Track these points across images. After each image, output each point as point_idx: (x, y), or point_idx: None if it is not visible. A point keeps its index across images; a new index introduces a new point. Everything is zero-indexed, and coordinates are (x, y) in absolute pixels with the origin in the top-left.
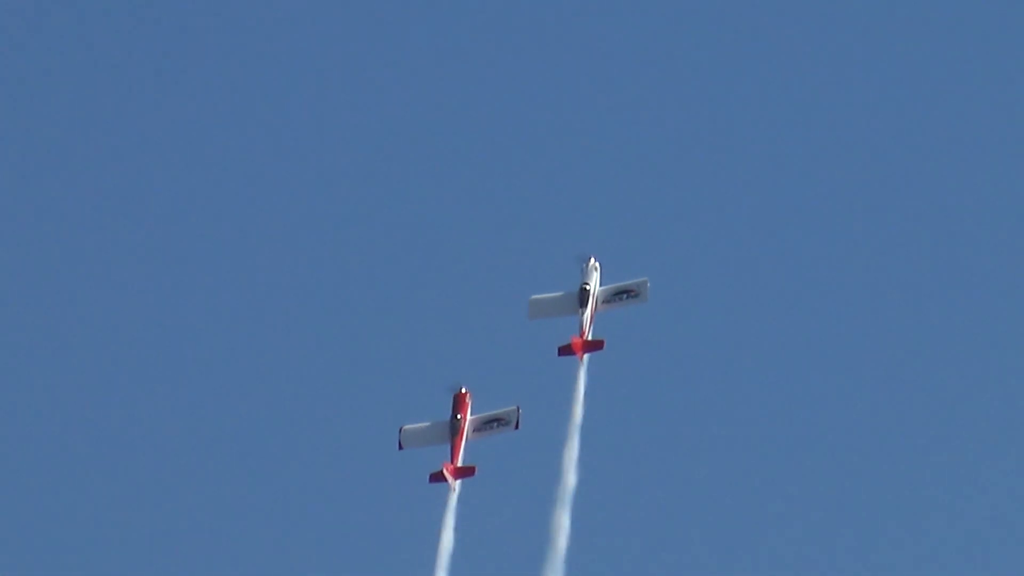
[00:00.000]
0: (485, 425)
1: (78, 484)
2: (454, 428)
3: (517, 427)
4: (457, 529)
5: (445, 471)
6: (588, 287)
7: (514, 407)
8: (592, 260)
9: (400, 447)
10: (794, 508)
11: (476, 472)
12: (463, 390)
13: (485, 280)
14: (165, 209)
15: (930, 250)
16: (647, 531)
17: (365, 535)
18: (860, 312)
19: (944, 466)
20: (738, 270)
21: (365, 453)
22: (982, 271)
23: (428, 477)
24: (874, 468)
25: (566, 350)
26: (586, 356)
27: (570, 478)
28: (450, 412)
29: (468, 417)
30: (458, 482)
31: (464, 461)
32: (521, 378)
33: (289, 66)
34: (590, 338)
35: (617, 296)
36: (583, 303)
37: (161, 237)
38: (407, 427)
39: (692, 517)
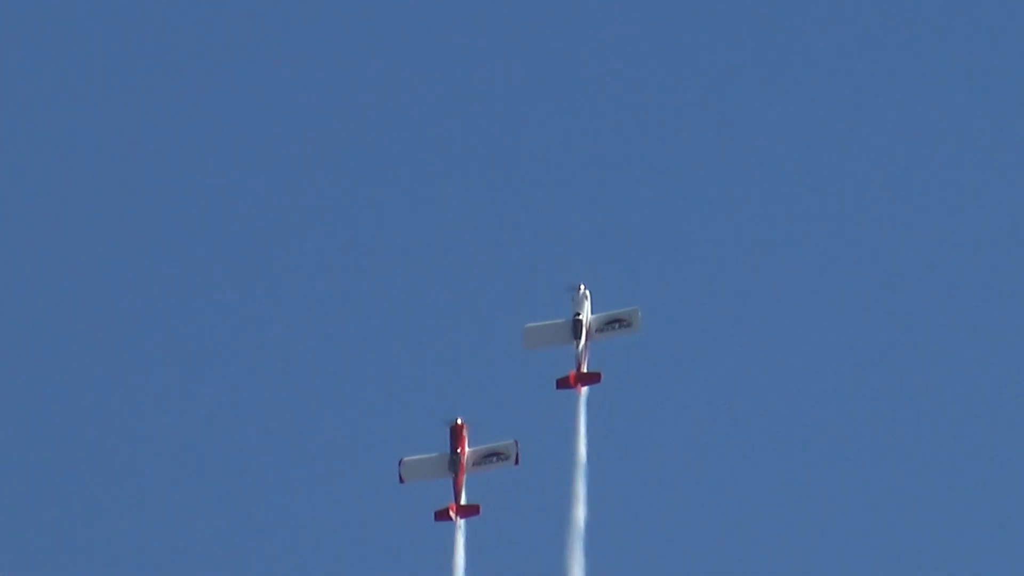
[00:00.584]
0: (484, 459)
1: (75, 487)
2: (453, 463)
3: (517, 462)
4: (467, 567)
5: (451, 511)
6: (580, 317)
7: (512, 441)
8: (582, 288)
9: (401, 480)
10: (802, 532)
11: (480, 511)
12: (459, 421)
13: (477, 307)
14: (161, 212)
15: (930, 271)
16: (660, 562)
17: (371, 572)
18: (855, 330)
19: (955, 476)
20: (728, 295)
21: (366, 487)
22: (982, 282)
23: (433, 515)
24: (880, 496)
25: (564, 383)
26: (584, 389)
27: (579, 513)
28: (448, 444)
29: (466, 450)
30: (463, 521)
31: (467, 497)
32: (519, 410)
33: (287, 70)
34: (586, 370)
35: (609, 325)
36: (576, 335)
37: (157, 246)
38: (407, 459)
39: (702, 543)
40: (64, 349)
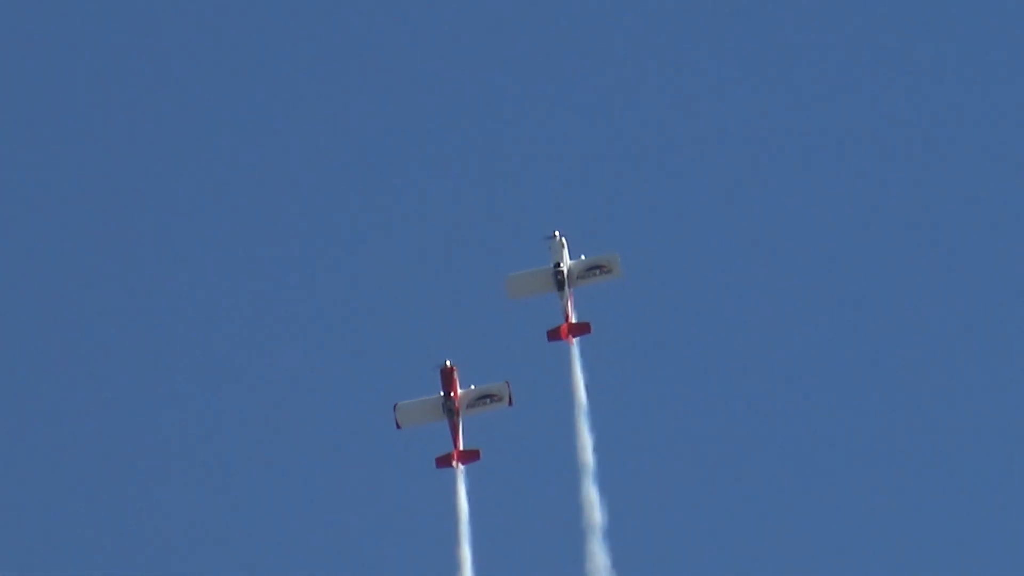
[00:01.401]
0: (477, 401)
1: (81, 484)
2: (448, 408)
3: (511, 403)
4: (473, 511)
5: (452, 459)
6: (561, 267)
7: (503, 382)
8: (558, 235)
9: (398, 426)
10: (784, 463)
11: (481, 456)
12: (448, 364)
13: (456, 259)
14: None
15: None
16: (671, 508)
17: (379, 521)
18: (836, 286)
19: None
20: (706, 240)
21: (365, 436)
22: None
23: (435, 462)
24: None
25: (555, 335)
26: (575, 340)
27: (587, 457)
28: (440, 389)
29: (459, 393)
30: (463, 467)
31: (466, 443)
32: (510, 360)
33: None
34: (574, 320)
35: (590, 272)
36: (560, 286)
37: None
38: (402, 404)
39: (706, 484)
40: (71, 350)
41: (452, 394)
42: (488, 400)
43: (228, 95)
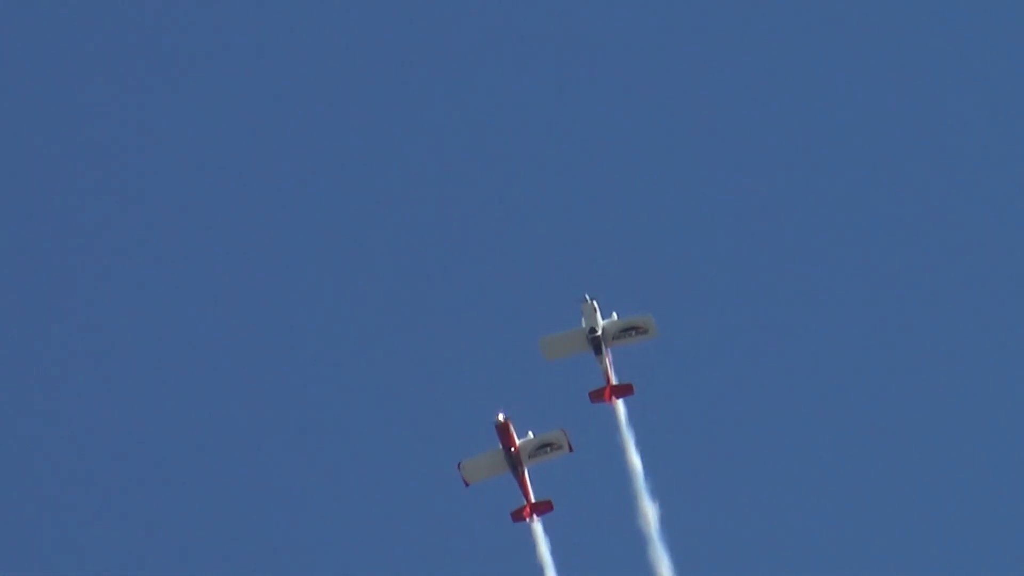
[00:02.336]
0: (538, 450)
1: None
2: (511, 461)
3: (571, 450)
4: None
5: (526, 513)
6: (597, 333)
7: (559, 430)
8: (588, 300)
9: (466, 484)
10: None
11: (553, 507)
12: (502, 418)
13: (486, 322)
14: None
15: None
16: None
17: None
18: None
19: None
20: (728, 296)
21: (435, 494)
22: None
23: (510, 516)
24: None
25: (597, 396)
26: (620, 401)
27: (652, 523)
28: (498, 443)
29: (518, 444)
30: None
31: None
32: (556, 422)
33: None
34: (615, 382)
35: (625, 333)
36: (597, 350)
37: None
38: (466, 461)
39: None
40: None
41: (512, 447)
42: (548, 449)
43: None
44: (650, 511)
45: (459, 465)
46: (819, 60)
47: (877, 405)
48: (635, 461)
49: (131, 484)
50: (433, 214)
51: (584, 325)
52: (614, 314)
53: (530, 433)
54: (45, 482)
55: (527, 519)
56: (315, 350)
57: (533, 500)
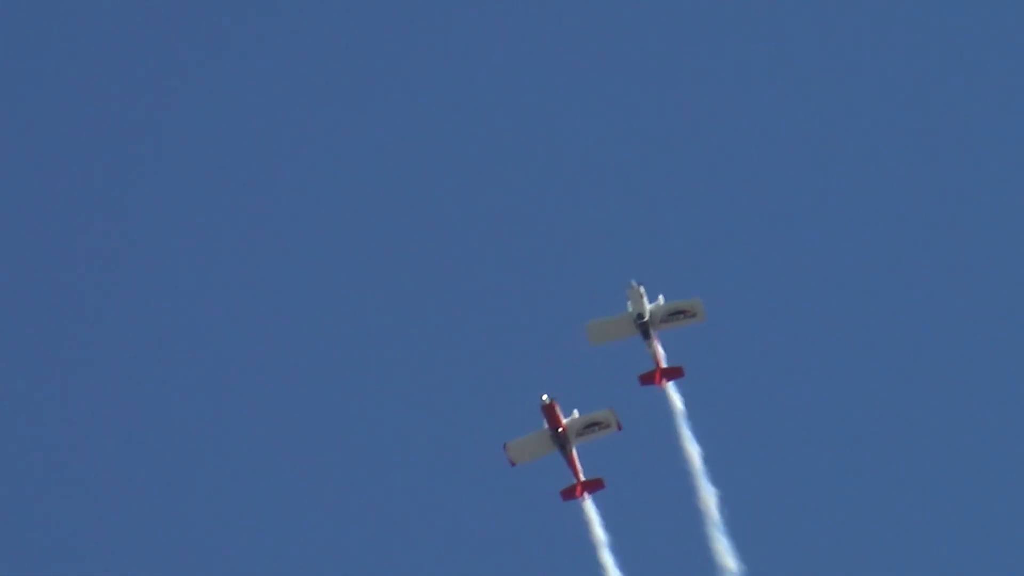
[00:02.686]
0: (585, 429)
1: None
2: (558, 441)
3: (619, 428)
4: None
5: (578, 491)
6: (645, 318)
7: (607, 409)
8: (635, 285)
9: (512, 464)
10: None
11: (605, 484)
12: (547, 399)
13: (531, 306)
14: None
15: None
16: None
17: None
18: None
19: None
20: (782, 277)
21: (481, 479)
22: None
23: (560, 495)
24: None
25: (648, 379)
26: (670, 383)
27: (705, 486)
28: (545, 424)
29: (565, 424)
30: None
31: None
32: (606, 404)
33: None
34: (665, 365)
35: (673, 317)
36: (645, 335)
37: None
38: (511, 442)
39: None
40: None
41: (559, 428)
42: (596, 427)
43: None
44: (708, 492)
45: (505, 446)
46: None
47: (931, 379)
48: (690, 441)
49: (138, 484)
50: (483, 200)
51: (631, 310)
52: (660, 297)
53: (575, 412)
54: (44, 482)
55: (578, 497)
56: (364, 335)
57: (583, 478)
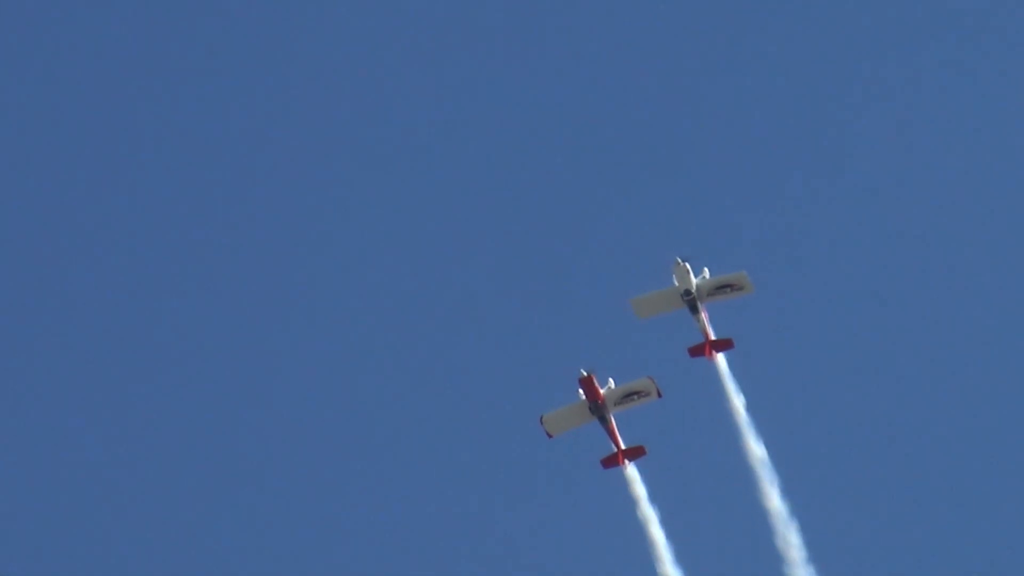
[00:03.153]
0: (624, 399)
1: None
2: (597, 412)
3: (660, 395)
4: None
5: (620, 459)
6: (692, 294)
7: (646, 378)
8: (680, 262)
9: (549, 436)
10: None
11: (647, 451)
12: (585, 372)
13: (574, 283)
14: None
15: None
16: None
17: (565, 531)
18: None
19: None
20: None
21: (520, 448)
22: None
23: (601, 463)
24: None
25: (697, 352)
26: (720, 355)
27: (758, 451)
28: (584, 396)
29: (603, 395)
30: (632, 463)
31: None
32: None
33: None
34: (714, 337)
35: (720, 291)
36: (693, 310)
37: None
38: (547, 415)
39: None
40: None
41: (598, 399)
42: (636, 396)
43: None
44: (757, 450)
45: (541, 418)
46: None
47: (971, 351)
48: (739, 408)
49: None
50: (526, 180)
51: (678, 286)
52: (705, 270)
53: (611, 382)
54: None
55: (620, 465)
56: (411, 308)
57: (623, 447)
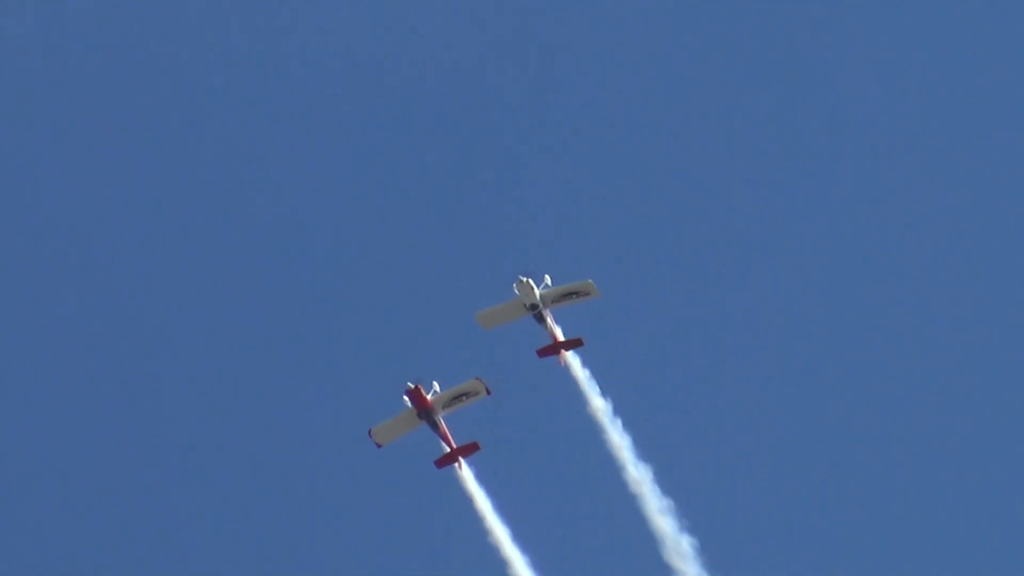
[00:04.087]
0: (454, 401)
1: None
2: (428, 419)
3: (489, 393)
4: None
5: (453, 459)
6: (538, 306)
7: (473, 379)
8: (524, 280)
9: (379, 446)
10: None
11: (480, 447)
12: (411, 385)
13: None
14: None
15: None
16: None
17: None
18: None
19: None
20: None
21: (350, 457)
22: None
23: (435, 464)
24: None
25: (546, 351)
26: (568, 353)
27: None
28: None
29: (431, 402)
30: (464, 461)
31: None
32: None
33: None
34: (562, 339)
35: (566, 298)
36: (540, 320)
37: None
38: (376, 427)
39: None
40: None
41: (427, 408)
42: (464, 397)
43: None
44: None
45: (369, 432)
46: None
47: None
48: (595, 397)
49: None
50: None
51: (525, 302)
52: (547, 278)
53: (436, 385)
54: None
55: (455, 464)
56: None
57: (455, 445)
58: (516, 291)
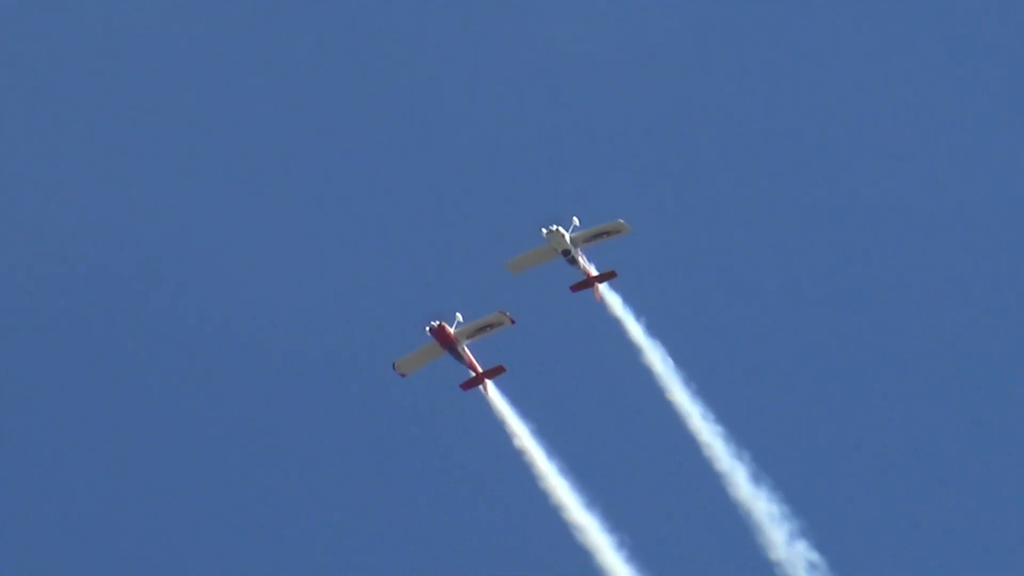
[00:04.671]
0: (478, 332)
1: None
2: (452, 352)
3: (513, 322)
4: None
5: (479, 381)
6: (570, 251)
7: (497, 312)
8: (553, 228)
9: (403, 376)
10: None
11: (506, 369)
12: (434, 324)
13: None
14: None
15: None
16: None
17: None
18: None
19: None
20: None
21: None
22: None
23: (460, 387)
24: None
25: (580, 286)
26: (602, 286)
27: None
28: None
29: (453, 332)
30: (491, 383)
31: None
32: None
33: None
34: (595, 273)
35: (597, 237)
36: (573, 263)
37: None
38: (399, 360)
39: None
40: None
41: (450, 341)
42: (488, 328)
43: None
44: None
45: (393, 365)
46: None
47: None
48: (631, 322)
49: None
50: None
51: (556, 248)
52: (575, 220)
53: (459, 316)
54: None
55: (479, 386)
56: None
57: (481, 369)
58: (548, 241)
